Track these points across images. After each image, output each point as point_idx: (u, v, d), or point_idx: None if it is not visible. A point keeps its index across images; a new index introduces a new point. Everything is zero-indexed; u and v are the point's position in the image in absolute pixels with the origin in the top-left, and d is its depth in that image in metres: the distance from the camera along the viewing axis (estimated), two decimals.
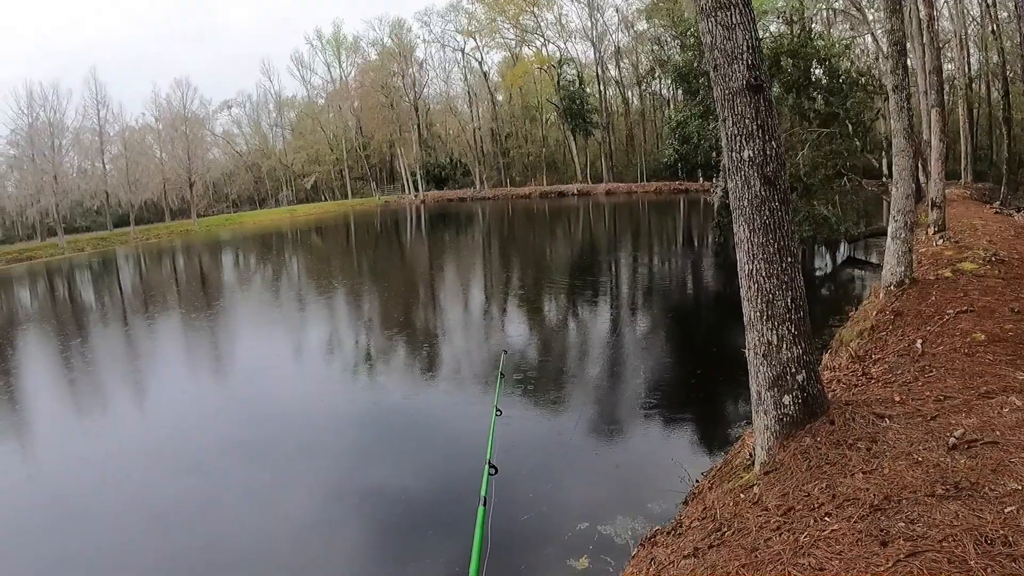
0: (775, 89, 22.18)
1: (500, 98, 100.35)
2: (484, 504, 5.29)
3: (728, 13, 5.86)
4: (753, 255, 5.97)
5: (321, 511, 9.80)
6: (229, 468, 11.64)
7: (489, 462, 6.18)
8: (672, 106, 74.25)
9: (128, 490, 10.87)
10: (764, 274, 5.93)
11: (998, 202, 28.42)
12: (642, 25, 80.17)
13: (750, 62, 5.82)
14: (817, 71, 25.07)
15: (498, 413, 8.51)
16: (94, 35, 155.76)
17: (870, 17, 36.45)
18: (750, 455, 6.80)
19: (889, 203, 14.04)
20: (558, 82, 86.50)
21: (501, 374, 11.73)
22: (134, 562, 8.63)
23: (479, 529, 4.92)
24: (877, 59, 36.10)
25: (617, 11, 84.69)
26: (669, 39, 65.06)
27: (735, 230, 6.14)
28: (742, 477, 6.32)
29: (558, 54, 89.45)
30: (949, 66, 46.90)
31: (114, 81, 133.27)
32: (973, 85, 49.47)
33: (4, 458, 13.24)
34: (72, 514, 10.25)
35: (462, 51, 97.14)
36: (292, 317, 24.47)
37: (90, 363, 19.88)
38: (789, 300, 5.95)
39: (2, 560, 9.01)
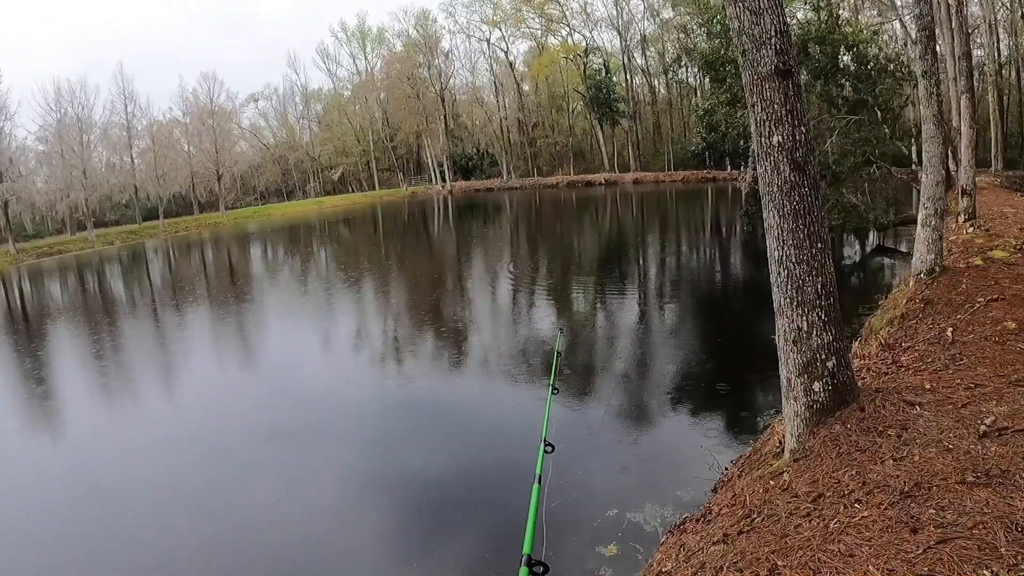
0: (803, 76, 22.02)
1: (526, 88, 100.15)
2: (539, 482, 5.31)
3: None
4: (783, 241, 5.94)
5: (380, 489, 9.95)
6: (274, 452, 11.76)
7: (545, 439, 6.20)
8: (699, 94, 73.93)
9: (164, 476, 10.99)
10: (794, 260, 5.91)
11: None
12: (668, 13, 79.73)
13: (779, 47, 5.79)
14: (845, 58, 24.83)
15: (554, 392, 8.53)
16: (120, 31, 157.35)
17: (898, 2, 36.08)
18: (779, 442, 6.80)
19: (918, 191, 13.92)
20: (584, 71, 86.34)
21: (558, 352, 11.78)
22: (173, 547, 8.73)
23: (534, 507, 4.94)
24: (905, 45, 35.74)
25: None
26: (695, 27, 64.67)
27: (765, 216, 6.12)
28: (771, 464, 6.31)
29: (584, 43, 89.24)
30: (978, 52, 46.44)
31: (141, 76, 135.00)
32: (1003, 71, 48.89)
33: (41, 445, 13.47)
34: (110, 501, 10.39)
35: (488, 41, 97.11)
36: (327, 307, 24.58)
37: (123, 353, 20.11)
38: (819, 286, 5.93)
39: (42, 549, 9.14)
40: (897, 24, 39.72)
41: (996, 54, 46.75)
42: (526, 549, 4.38)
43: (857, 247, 26.41)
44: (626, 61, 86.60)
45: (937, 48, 13.77)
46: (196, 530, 9.18)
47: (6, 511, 10.46)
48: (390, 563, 8.05)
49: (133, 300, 31.86)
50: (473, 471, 10.25)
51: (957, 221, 16.41)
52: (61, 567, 8.68)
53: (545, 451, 6.02)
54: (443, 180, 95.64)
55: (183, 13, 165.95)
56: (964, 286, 10.30)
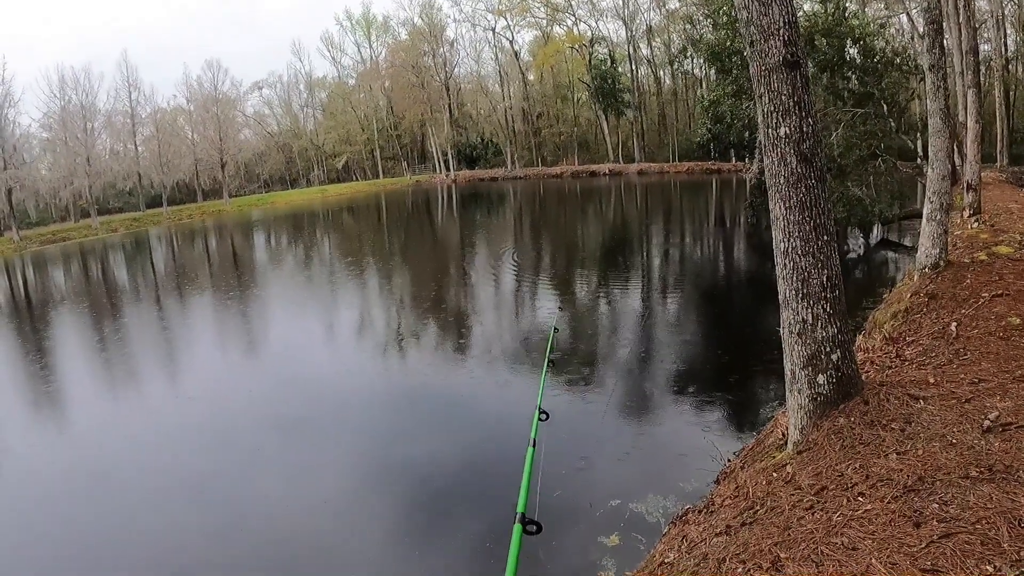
0: (810, 68, 21.97)
1: (531, 77, 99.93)
2: (533, 446, 5.38)
3: None
4: (789, 233, 5.94)
5: (383, 475, 9.96)
6: (278, 440, 11.78)
7: (540, 408, 6.28)
8: (704, 85, 73.87)
9: (167, 467, 11.00)
10: (800, 252, 5.90)
11: None
12: (674, 3, 79.55)
13: (787, 38, 5.77)
14: (852, 50, 24.77)
15: (551, 364, 8.60)
16: (121, 31, 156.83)
17: None
18: (783, 435, 6.80)
19: (924, 185, 13.90)
20: (589, 61, 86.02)
21: (555, 328, 11.96)
22: (177, 538, 8.77)
23: (528, 469, 4.99)
24: (912, 39, 35.73)
25: None
26: (701, 17, 64.52)
27: (771, 208, 6.11)
28: (775, 456, 6.32)
29: (589, 33, 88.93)
30: (985, 47, 46.23)
31: (148, 66, 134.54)
32: (1010, 66, 48.78)
33: (43, 436, 13.48)
34: (113, 491, 10.42)
35: (493, 30, 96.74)
36: (331, 295, 24.61)
37: (126, 342, 20.11)
38: (825, 279, 5.93)
39: (45, 539, 9.16)
40: (904, 17, 39.78)
41: (1003, 49, 46.65)
42: (520, 507, 4.40)
43: (862, 240, 26.34)
44: (631, 51, 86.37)
45: (944, 42, 13.72)
46: (200, 521, 9.20)
47: (9, 501, 10.49)
48: (392, 553, 8.07)
49: (136, 288, 31.88)
50: (472, 457, 10.29)
51: (962, 216, 16.37)
52: (65, 557, 8.71)
53: (540, 419, 6.09)
54: (447, 169, 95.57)
55: (183, 13, 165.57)
56: (968, 281, 10.28)
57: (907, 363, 7.56)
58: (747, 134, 31.01)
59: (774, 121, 5.89)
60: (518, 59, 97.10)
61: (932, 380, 6.58)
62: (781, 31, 5.78)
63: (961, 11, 19.31)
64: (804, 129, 5.83)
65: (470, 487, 9.30)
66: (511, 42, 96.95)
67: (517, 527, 4.25)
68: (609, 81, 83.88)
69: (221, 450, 11.66)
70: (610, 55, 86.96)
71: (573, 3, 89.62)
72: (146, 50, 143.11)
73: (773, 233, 6.14)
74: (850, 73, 24.29)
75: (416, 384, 14.18)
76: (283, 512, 9.20)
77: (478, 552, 7.73)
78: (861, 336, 10.61)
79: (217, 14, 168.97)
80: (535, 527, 4.36)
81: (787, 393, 6.37)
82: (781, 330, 6.28)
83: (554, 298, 20.50)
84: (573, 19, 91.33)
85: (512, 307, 20.03)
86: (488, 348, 16.07)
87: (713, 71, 40.59)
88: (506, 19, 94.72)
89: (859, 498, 4.63)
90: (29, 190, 71.43)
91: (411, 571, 7.70)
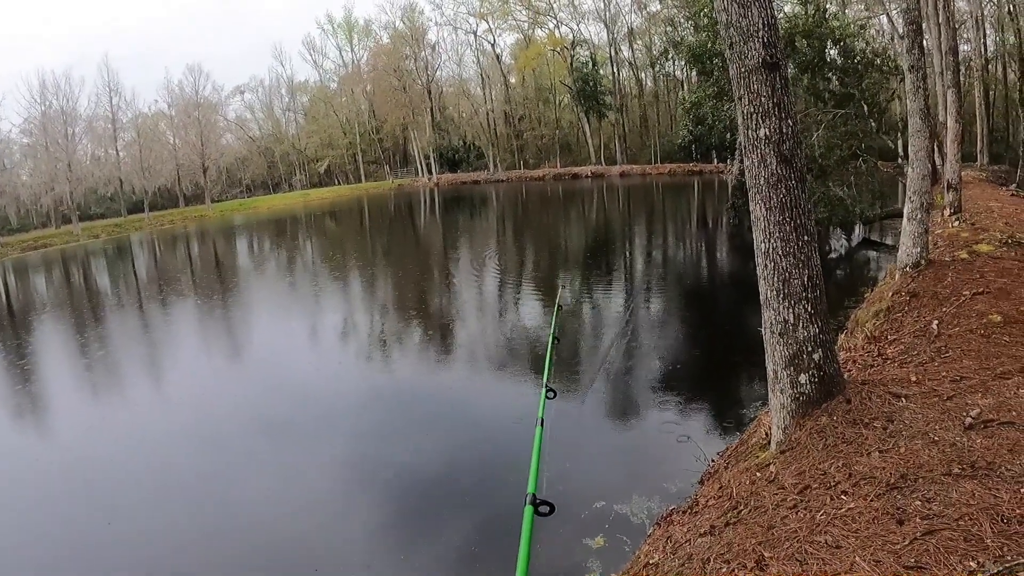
0: (790, 70, 22.06)
1: (513, 80, 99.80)
2: (542, 424, 5.36)
3: None
4: (769, 234, 5.96)
5: (373, 475, 9.91)
6: (267, 444, 11.76)
7: (546, 385, 6.27)
8: (686, 87, 74.01)
9: (158, 471, 10.95)
10: (780, 252, 5.92)
11: (1014, 184, 28.15)
12: (655, 6, 79.69)
13: (766, 40, 5.80)
14: (832, 52, 24.89)
15: (556, 341, 8.60)
16: (121, 31, 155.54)
17: None
18: (766, 434, 6.82)
19: (904, 184, 13.98)
20: (571, 64, 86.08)
21: (559, 305, 11.97)
22: (177, 539, 8.76)
23: (537, 448, 4.97)
24: (892, 39, 35.90)
25: None
26: (683, 20, 64.70)
27: (751, 209, 6.13)
28: (758, 456, 6.33)
29: (571, 36, 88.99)
30: (965, 47, 46.45)
31: (147, 68, 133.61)
32: (989, 66, 49.01)
33: (33, 441, 13.41)
34: (112, 493, 10.37)
35: (474, 33, 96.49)
36: (315, 300, 24.51)
37: (111, 348, 19.99)
38: (806, 279, 5.95)
39: (41, 542, 9.12)
40: (884, 19, 39.93)
41: (983, 49, 46.82)
42: (530, 488, 4.35)
43: (843, 240, 26.47)
44: (613, 54, 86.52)
45: (924, 43, 13.83)
46: (198, 522, 9.20)
47: (9, 501, 10.45)
48: (387, 547, 8.08)
49: (119, 294, 31.66)
50: (465, 458, 10.30)
51: (943, 215, 16.48)
52: (65, 557, 8.70)
53: (547, 397, 6.08)
54: (429, 173, 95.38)
55: (183, 13, 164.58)
56: (949, 279, 10.35)
57: (889, 362, 7.60)
58: (728, 136, 31.02)
59: (754, 123, 5.91)
60: (500, 62, 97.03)
61: (914, 378, 6.62)
62: (760, 33, 5.80)
63: (941, 12, 19.42)
64: (784, 130, 5.86)
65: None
66: (493, 45, 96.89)
67: (528, 509, 4.18)
68: (591, 83, 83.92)
69: (214, 453, 11.64)
70: (592, 57, 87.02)
71: (555, 6, 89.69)
72: (146, 50, 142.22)
73: (754, 234, 6.16)
74: (830, 74, 24.41)
75: (399, 388, 14.16)
76: (280, 512, 9.19)
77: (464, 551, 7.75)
78: (843, 335, 10.66)
79: (217, 13, 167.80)
80: (548, 508, 4.29)
81: (770, 393, 6.39)
82: (763, 330, 6.30)
83: (537, 304, 20.40)
84: (555, 22, 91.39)
85: (495, 315, 19.94)
86: (472, 350, 16.08)
87: (694, 73, 40.84)
88: (488, 22, 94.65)
89: (842, 496, 4.64)
90: (10, 196, 70.91)
91: (401, 570, 7.71)
